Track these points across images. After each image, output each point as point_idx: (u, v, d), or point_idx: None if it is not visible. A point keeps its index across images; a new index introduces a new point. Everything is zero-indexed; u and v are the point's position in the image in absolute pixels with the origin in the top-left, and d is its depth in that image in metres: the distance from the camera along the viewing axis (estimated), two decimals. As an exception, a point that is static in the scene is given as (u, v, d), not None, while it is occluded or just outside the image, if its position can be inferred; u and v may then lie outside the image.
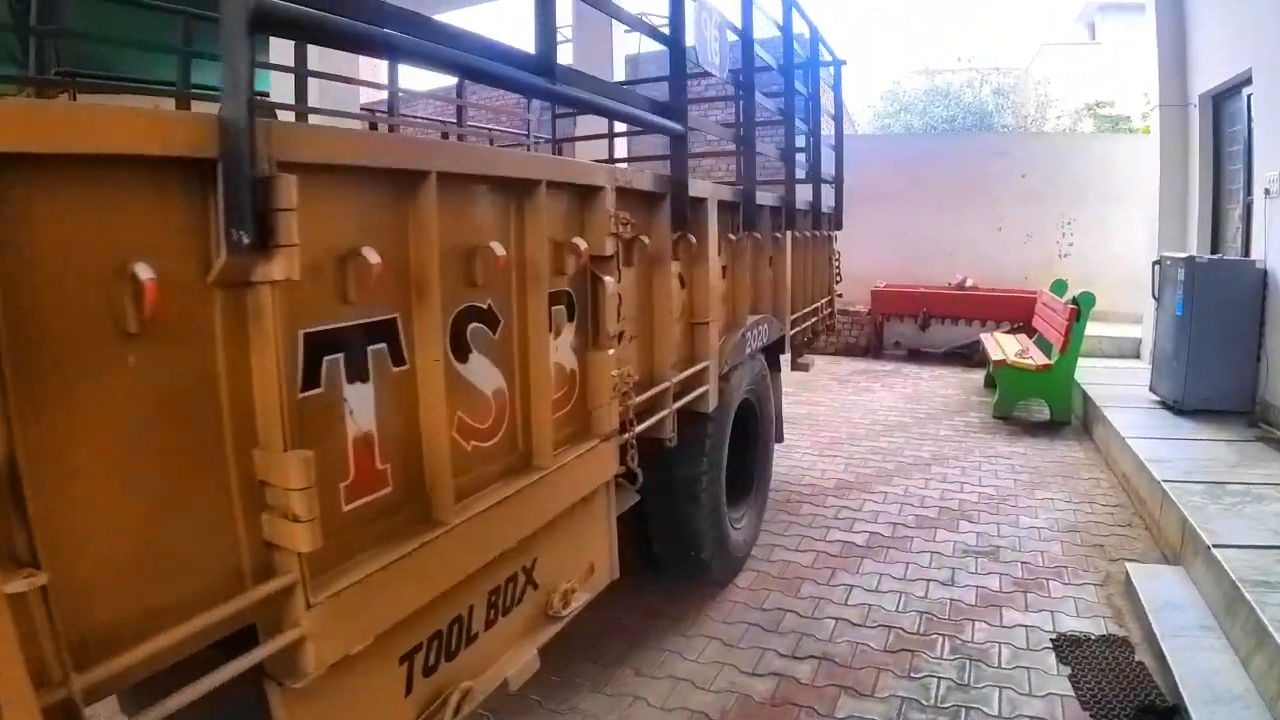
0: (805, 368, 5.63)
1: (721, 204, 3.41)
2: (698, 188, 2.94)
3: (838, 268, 6.39)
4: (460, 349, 1.75)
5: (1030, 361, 6.83)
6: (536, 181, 1.92)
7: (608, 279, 2.23)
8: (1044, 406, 6.92)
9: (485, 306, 1.82)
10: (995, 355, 7.21)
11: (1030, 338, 7.96)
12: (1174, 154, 7.63)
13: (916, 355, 10.29)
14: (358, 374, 1.47)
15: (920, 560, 4.16)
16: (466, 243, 1.74)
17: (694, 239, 2.87)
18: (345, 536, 1.44)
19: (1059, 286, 7.60)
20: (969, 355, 9.50)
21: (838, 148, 6.21)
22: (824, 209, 5.86)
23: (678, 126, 2.65)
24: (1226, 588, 3.20)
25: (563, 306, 2.13)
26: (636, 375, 2.42)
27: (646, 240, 2.56)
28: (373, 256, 1.40)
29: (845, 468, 5.78)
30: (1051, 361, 6.69)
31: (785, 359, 4.91)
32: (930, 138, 14.69)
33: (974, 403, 7.76)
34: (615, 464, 2.37)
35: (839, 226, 6.24)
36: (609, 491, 2.43)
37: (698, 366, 3.08)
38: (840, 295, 6.51)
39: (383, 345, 1.53)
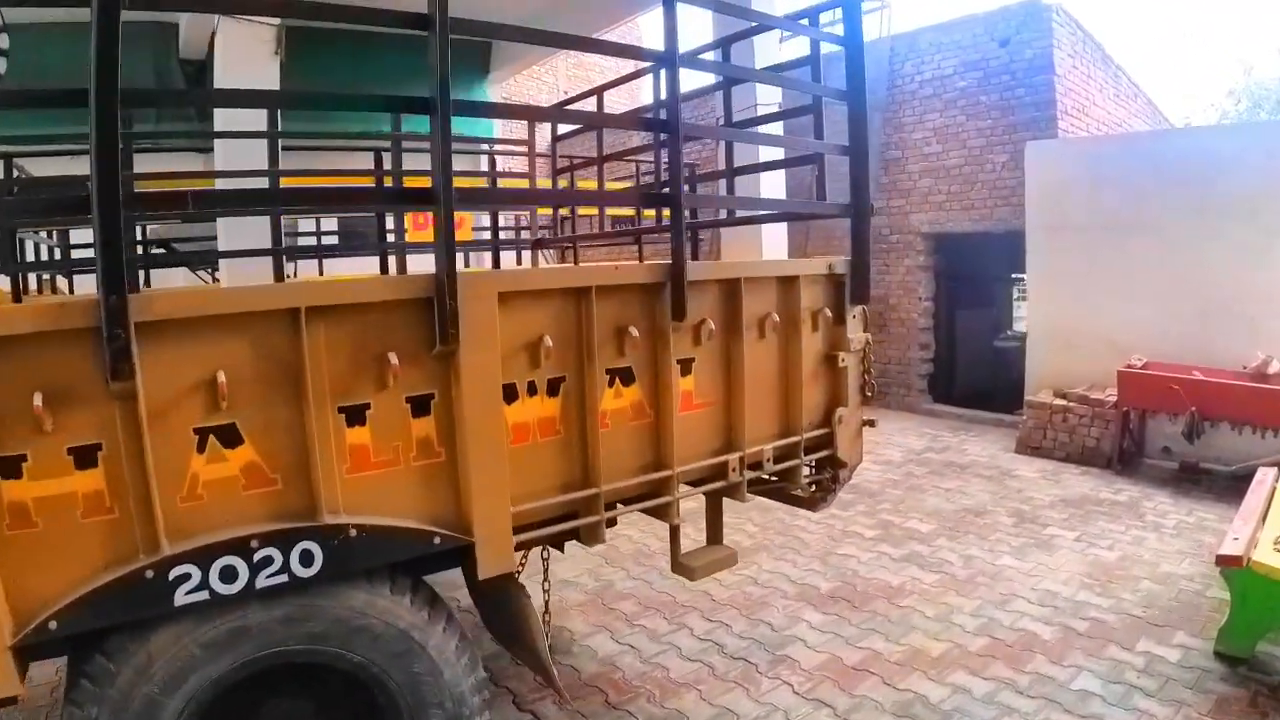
0: (690, 573, 3.12)
1: None
2: None
3: (865, 368, 3.68)
4: None
5: (1287, 565, 3.39)
6: None
7: None
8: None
9: None
10: (1235, 535, 3.79)
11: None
12: None
13: (1191, 473, 6.46)
14: None
15: None
16: None
17: None
18: None
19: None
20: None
21: (854, 149, 3.41)
22: (835, 268, 3.37)
23: None
24: None
25: None
26: None
27: None
28: None
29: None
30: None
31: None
32: (1221, 134, 9.67)
33: (1207, 605, 4.24)
34: None
35: (861, 298, 3.54)
36: None
37: None
38: (873, 424, 3.77)
39: None
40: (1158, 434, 6.67)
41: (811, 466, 3.56)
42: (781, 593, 4.65)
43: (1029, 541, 5.31)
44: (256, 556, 2.06)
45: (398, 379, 2.17)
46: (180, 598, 2.00)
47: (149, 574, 1.96)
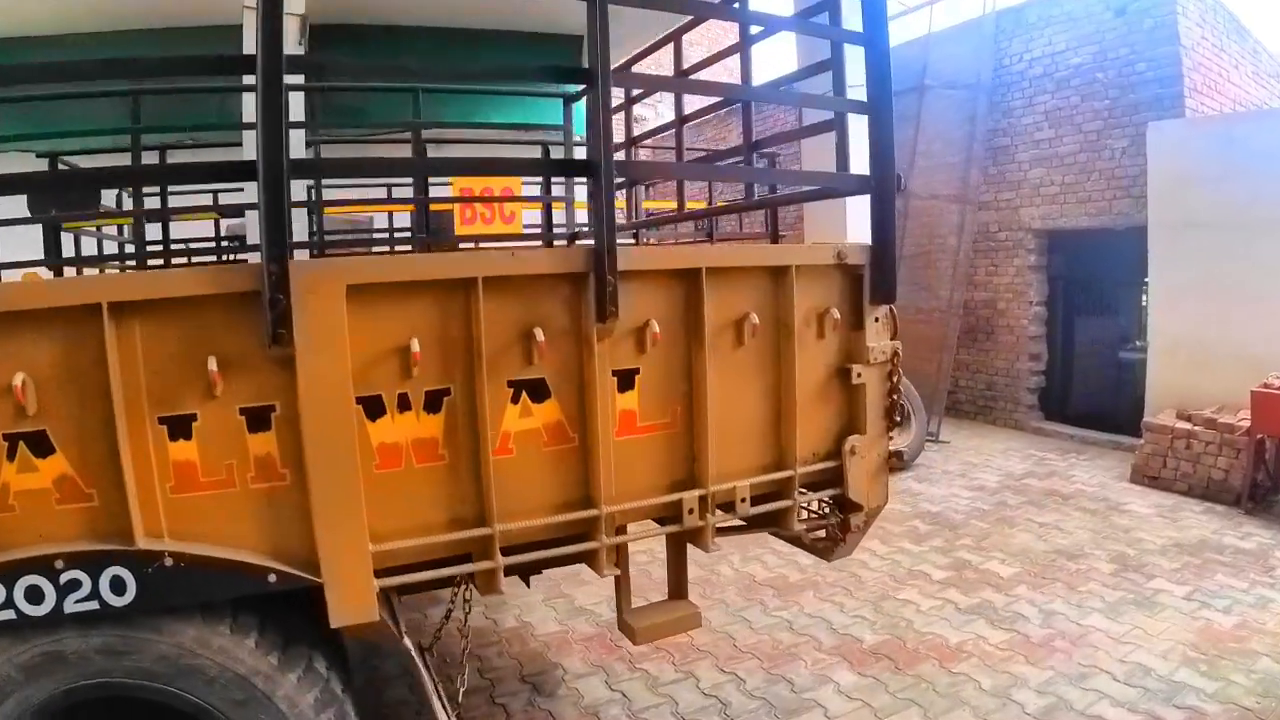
0: (633, 634, 2.60)
1: None
2: None
3: (891, 386, 3.04)
4: None
5: None
6: None
7: None
8: None
9: None
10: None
11: None
12: None
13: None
14: None
15: None
16: None
17: None
18: None
19: None
20: None
21: (874, 106, 2.65)
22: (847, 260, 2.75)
23: None
24: None
25: None
26: None
27: None
28: None
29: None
30: None
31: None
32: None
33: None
34: None
35: (885, 296, 2.90)
36: None
37: None
38: (901, 457, 3.13)
39: None
40: (1303, 468, 5.56)
41: (827, 504, 2.97)
42: (816, 643, 4.04)
43: (1127, 596, 4.44)
44: (62, 578, 1.83)
45: (223, 386, 1.82)
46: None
47: None
